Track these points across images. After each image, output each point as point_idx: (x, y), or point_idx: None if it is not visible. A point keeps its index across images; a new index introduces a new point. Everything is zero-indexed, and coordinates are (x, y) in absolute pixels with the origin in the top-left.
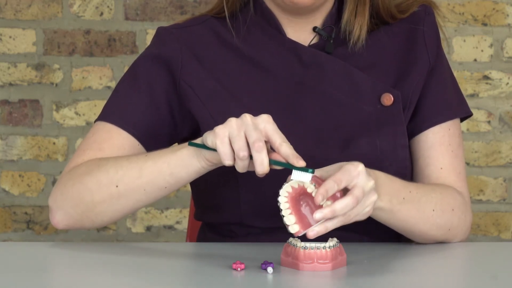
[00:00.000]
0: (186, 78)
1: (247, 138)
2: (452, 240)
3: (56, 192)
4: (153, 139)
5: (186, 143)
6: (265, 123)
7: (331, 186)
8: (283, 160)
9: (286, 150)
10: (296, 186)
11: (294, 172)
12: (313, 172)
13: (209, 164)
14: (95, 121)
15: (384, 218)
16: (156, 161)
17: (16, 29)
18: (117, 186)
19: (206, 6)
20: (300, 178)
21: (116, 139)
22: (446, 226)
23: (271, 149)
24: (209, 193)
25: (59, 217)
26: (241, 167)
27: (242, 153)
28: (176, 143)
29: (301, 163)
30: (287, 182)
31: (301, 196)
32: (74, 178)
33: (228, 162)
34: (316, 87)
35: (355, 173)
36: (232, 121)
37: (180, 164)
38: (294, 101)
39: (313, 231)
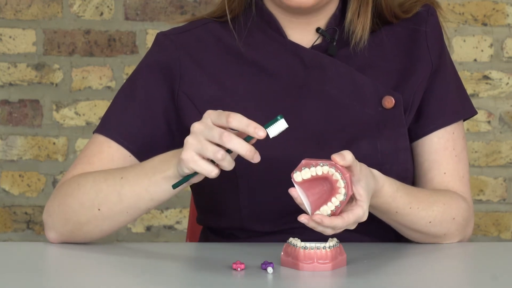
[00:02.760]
0: (185, 89)
1: (211, 141)
2: (447, 242)
3: (47, 210)
4: (149, 151)
5: (158, 158)
6: (209, 118)
7: (339, 224)
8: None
9: (237, 125)
10: (320, 173)
11: (269, 130)
12: (282, 117)
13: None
14: (93, 132)
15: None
16: (133, 187)
17: (16, 29)
18: (99, 209)
19: (206, 6)
20: (278, 131)
21: (107, 152)
22: (441, 233)
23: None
24: (210, 198)
25: (52, 235)
26: (227, 165)
27: (219, 154)
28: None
29: (261, 134)
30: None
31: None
32: (59, 198)
33: (214, 173)
34: (318, 89)
35: (363, 217)
36: (188, 139)
37: (159, 190)
38: (295, 103)
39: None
